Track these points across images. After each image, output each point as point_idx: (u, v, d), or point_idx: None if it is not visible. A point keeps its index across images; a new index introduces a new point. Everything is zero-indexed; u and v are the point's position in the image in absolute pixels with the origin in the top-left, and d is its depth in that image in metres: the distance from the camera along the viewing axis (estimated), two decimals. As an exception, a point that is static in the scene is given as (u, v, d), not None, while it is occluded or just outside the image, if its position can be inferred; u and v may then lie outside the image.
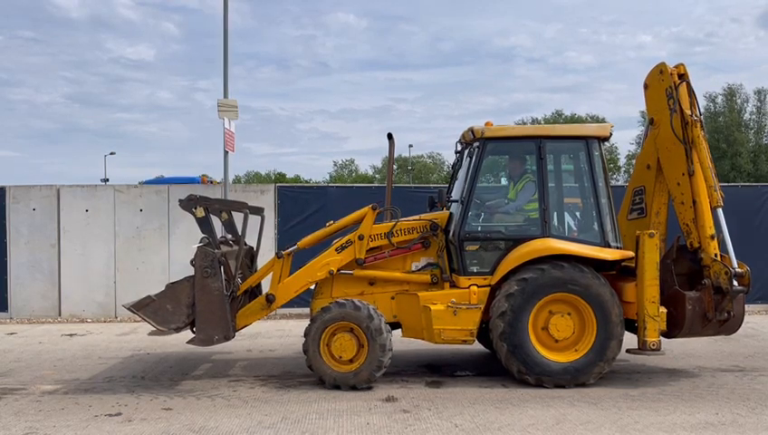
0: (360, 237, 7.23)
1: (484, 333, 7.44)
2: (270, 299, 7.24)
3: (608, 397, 6.38)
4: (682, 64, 7.29)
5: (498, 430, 5.41)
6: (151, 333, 6.92)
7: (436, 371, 7.66)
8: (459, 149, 8.07)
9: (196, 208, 7.05)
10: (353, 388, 6.67)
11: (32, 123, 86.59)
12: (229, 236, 7.92)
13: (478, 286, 6.96)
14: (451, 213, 7.38)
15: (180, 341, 9.78)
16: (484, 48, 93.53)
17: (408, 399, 6.37)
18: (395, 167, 71.85)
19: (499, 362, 6.93)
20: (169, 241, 12.15)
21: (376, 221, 7.38)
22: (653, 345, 6.67)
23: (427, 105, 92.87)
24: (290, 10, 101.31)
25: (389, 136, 7.88)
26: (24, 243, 12.07)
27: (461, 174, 7.73)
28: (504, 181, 8.03)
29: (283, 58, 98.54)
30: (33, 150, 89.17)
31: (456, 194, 7.55)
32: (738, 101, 52.48)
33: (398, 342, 9.41)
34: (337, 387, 6.70)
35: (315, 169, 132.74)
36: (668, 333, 6.93)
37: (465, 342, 6.99)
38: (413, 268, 7.37)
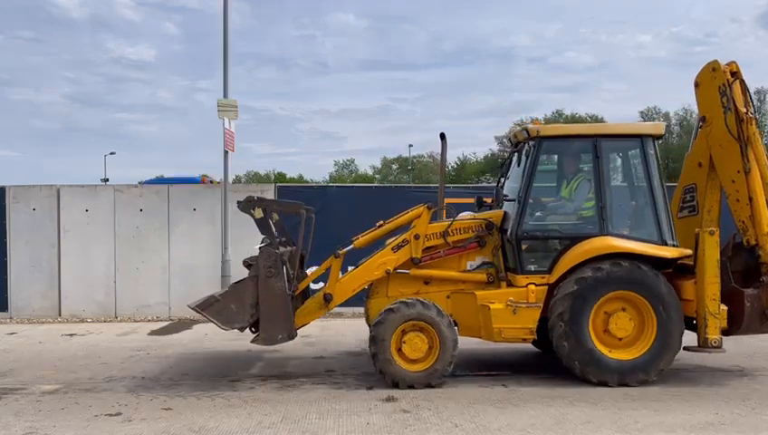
0: (416, 237, 7.26)
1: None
2: (327, 298, 7.28)
3: (608, 397, 6.37)
4: (734, 62, 7.30)
5: (498, 430, 5.41)
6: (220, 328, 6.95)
7: (437, 371, 7.65)
8: (510, 148, 8.09)
9: (254, 210, 7.14)
10: (411, 387, 6.68)
11: (32, 123, 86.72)
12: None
13: (536, 285, 6.98)
14: (506, 212, 7.41)
15: (180, 341, 9.80)
16: (484, 48, 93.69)
17: (408, 399, 6.37)
18: (395, 166, 71.84)
19: (559, 362, 6.94)
20: (169, 241, 12.16)
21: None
22: (714, 343, 6.72)
23: (427, 105, 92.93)
24: (290, 10, 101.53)
25: (442, 136, 7.93)
26: (25, 243, 12.08)
27: (513, 173, 7.76)
28: (545, 179, 8.03)
29: (283, 58, 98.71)
30: (33, 150, 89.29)
31: (509, 193, 7.52)
32: (738, 100, 52.39)
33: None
34: (396, 384, 6.70)
35: (315, 169, 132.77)
36: (727, 331, 6.94)
37: (524, 340, 7.04)
38: (468, 267, 7.40)
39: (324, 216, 12.22)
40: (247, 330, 7.15)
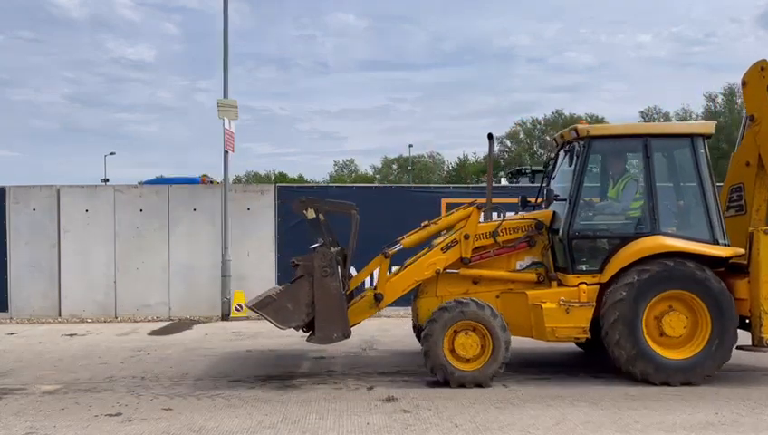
0: (466, 236, 7.28)
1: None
2: (378, 298, 7.29)
3: (608, 397, 6.38)
4: None
5: (498, 430, 5.41)
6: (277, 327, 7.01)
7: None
8: (556, 148, 8.12)
9: (307, 210, 7.21)
10: (461, 386, 6.69)
11: (32, 123, 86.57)
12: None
13: (587, 284, 6.98)
14: (554, 212, 7.43)
15: (180, 341, 9.80)
16: (484, 48, 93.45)
17: (409, 399, 6.37)
18: (395, 166, 71.79)
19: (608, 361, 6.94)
20: (169, 241, 12.16)
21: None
22: None
23: (427, 105, 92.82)
24: (290, 10, 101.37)
25: (490, 136, 7.95)
26: (25, 243, 12.08)
27: (560, 173, 7.79)
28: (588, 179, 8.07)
29: (283, 58, 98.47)
30: (33, 150, 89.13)
31: (559, 193, 7.51)
32: (738, 100, 52.45)
33: (398, 342, 9.43)
34: (447, 383, 6.70)
35: (315, 169, 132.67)
36: None
37: (577, 339, 7.06)
38: (517, 267, 7.43)
39: (325, 216, 12.24)
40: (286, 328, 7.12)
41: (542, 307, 6.94)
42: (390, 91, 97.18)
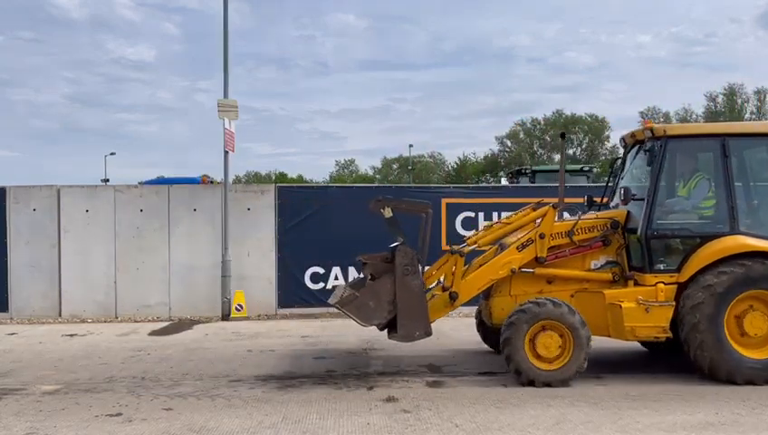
0: (542, 236, 7.29)
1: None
2: (453, 296, 7.30)
3: (608, 397, 6.38)
4: None
5: (498, 430, 5.41)
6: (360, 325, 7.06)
7: (437, 371, 7.66)
8: (625, 147, 8.14)
9: (384, 209, 7.26)
10: (547, 385, 6.69)
11: (32, 123, 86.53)
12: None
13: (665, 284, 6.99)
14: (629, 211, 7.44)
15: (181, 341, 9.80)
16: (484, 48, 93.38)
17: (409, 399, 6.37)
18: (395, 166, 71.77)
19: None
20: (169, 241, 12.15)
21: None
22: None
23: (427, 105, 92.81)
24: (290, 10, 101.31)
25: (563, 135, 7.95)
26: (25, 243, 12.08)
27: (630, 173, 7.83)
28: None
29: (283, 58, 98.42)
30: (33, 150, 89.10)
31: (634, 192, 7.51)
32: (739, 100, 52.54)
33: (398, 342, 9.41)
34: (531, 383, 6.70)
35: (316, 169, 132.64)
36: None
37: (657, 338, 7.03)
38: (592, 266, 7.44)
39: (325, 216, 12.27)
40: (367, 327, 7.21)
41: (621, 306, 6.94)
42: (390, 91, 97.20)
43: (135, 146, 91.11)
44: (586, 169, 19.07)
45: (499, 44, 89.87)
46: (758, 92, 53.55)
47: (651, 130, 7.30)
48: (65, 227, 12.11)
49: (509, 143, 65.06)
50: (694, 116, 57.00)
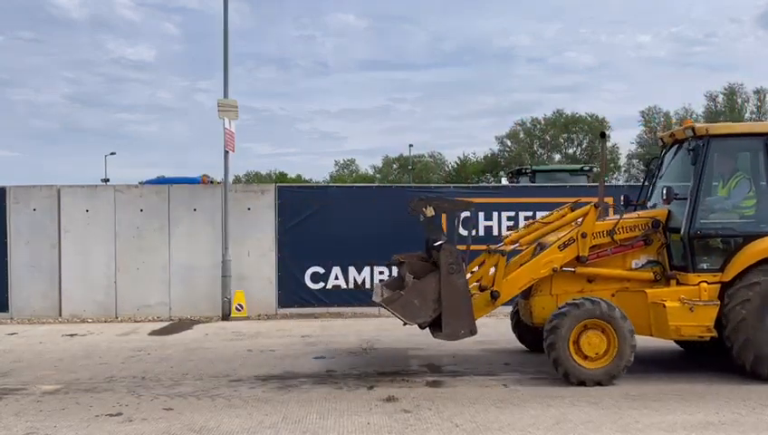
0: (584, 235, 7.30)
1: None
2: (495, 295, 7.31)
3: (608, 397, 6.38)
4: None
5: (499, 430, 5.41)
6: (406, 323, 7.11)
7: (437, 370, 7.66)
8: (663, 147, 8.16)
9: (426, 208, 7.28)
10: (598, 383, 6.71)
11: (32, 123, 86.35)
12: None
13: (708, 283, 7.00)
14: (670, 211, 7.44)
15: (181, 341, 9.80)
16: (484, 48, 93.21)
17: (409, 398, 6.37)
18: (395, 166, 71.69)
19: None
20: (169, 241, 12.16)
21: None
22: None
23: (427, 105, 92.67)
24: (290, 10, 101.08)
25: (602, 134, 7.95)
26: (25, 243, 12.08)
27: (668, 172, 7.85)
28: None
29: (283, 58, 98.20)
30: (33, 150, 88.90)
31: (662, 192, 7.47)
32: (739, 100, 52.53)
33: (399, 341, 9.42)
34: (582, 383, 6.71)
35: (316, 169, 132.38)
36: None
37: (701, 337, 7.04)
38: (633, 266, 7.46)
39: (325, 215, 12.27)
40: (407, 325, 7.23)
41: (665, 306, 6.96)
42: (390, 91, 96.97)
43: (135, 146, 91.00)
44: (586, 168, 19.09)
45: (499, 44, 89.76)
46: (758, 92, 53.52)
47: (693, 129, 7.29)
48: (65, 226, 12.11)
49: (509, 143, 65.01)
50: (694, 115, 56.96)
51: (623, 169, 59.34)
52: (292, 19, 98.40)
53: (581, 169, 18.78)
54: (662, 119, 58.16)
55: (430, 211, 7.28)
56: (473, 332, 7.00)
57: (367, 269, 12.25)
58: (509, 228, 11.39)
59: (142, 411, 6.06)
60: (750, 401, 6.21)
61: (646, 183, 8.47)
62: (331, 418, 5.79)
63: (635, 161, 56.49)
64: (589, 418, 5.73)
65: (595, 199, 8.42)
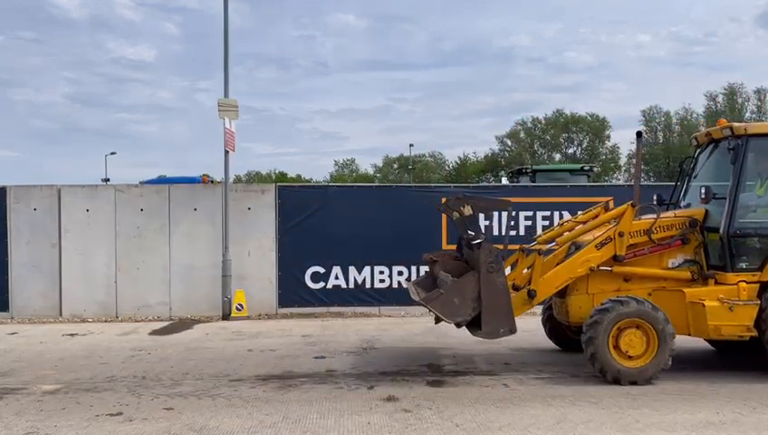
0: (621, 234, 7.31)
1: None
2: (531, 294, 7.32)
3: (609, 396, 6.38)
4: None
5: (499, 430, 5.41)
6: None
7: (437, 370, 7.66)
8: (697, 146, 8.15)
9: (463, 207, 7.29)
10: (633, 383, 6.71)
11: (32, 123, 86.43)
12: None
13: (747, 283, 7.01)
14: (707, 210, 7.44)
15: (181, 341, 9.80)
16: (483, 48, 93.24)
17: (409, 398, 6.37)
18: (395, 166, 71.76)
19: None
20: (170, 241, 12.16)
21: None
22: None
23: (427, 105, 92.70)
24: (290, 10, 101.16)
25: (639, 134, 7.95)
26: (25, 243, 12.08)
27: (703, 171, 7.86)
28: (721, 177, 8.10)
29: (283, 58, 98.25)
30: (34, 150, 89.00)
31: (697, 191, 7.54)
32: (739, 100, 52.54)
33: (399, 341, 9.43)
34: (617, 381, 6.72)
35: (316, 169, 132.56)
36: None
37: (741, 337, 7.03)
38: (670, 265, 7.46)
39: (325, 215, 12.27)
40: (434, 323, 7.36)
41: (704, 305, 6.96)
42: (390, 91, 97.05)
43: (135, 146, 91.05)
44: (587, 168, 19.09)
45: (499, 44, 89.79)
46: (758, 92, 53.57)
47: (731, 129, 7.28)
48: (66, 226, 12.11)
49: (509, 143, 65.03)
50: (694, 115, 57.01)
51: (623, 168, 59.37)
52: (292, 19, 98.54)
53: (582, 169, 18.78)
54: (662, 119, 58.13)
55: (468, 210, 7.27)
56: (512, 330, 6.99)
57: (367, 269, 12.26)
58: (509, 228, 11.39)
59: (143, 411, 6.06)
60: (751, 401, 6.21)
61: (678, 183, 8.46)
62: (331, 417, 5.79)
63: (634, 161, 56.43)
64: (589, 417, 5.73)
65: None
